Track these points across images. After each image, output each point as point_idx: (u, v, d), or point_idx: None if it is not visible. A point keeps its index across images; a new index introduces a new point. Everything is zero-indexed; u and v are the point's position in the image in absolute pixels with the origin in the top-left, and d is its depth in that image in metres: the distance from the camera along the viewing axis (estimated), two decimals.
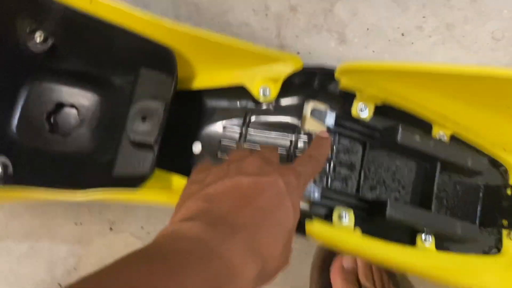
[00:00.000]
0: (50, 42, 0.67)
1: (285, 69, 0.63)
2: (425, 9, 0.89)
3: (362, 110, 0.66)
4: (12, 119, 0.71)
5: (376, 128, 0.67)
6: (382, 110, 0.67)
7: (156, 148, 0.63)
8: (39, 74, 0.72)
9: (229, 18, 0.87)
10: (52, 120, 0.73)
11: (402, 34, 0.88)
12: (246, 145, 0.68)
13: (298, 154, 0.68)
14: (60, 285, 0.83)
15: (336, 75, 0.62)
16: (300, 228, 0.59)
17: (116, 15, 0.60)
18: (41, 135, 0.72)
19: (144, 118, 0.64)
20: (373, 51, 0.88)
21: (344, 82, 0.63)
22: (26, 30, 0.66)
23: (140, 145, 0.66)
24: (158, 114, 0.63)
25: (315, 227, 0.59)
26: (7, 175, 0.66)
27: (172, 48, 0.61)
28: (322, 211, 0.65)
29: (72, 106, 0.73)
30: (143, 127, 0.64)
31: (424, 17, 0.88)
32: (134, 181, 0.64)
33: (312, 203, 0.65)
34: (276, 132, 0.68)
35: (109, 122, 0.73)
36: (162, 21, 0.60)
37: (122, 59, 0.69)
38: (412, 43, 0.88)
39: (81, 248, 0.84)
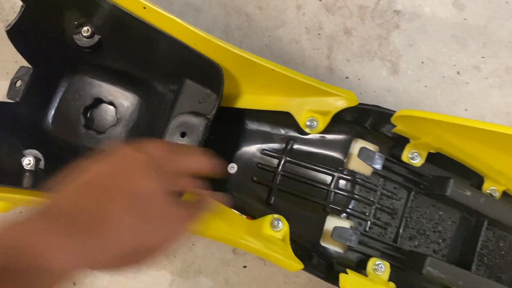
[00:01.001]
0: (96, 38, 0.65)
1: (338, 103, 0.60)
2: (485, 48, 0.84)
3: (414, 157, 0.63)
4: (49, 111, 0.69)
5: (425, 176, 0.63)
6: (434, 158, 0.63)
7: None
8: (81, 67, 0.70)
9: (280, 33, 0.84)
10: (88, 115, 0.71)
11: (458, 72, 0.84)
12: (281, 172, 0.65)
13: (338, 194, 0.64)
14: None
15: (393, 119, 0.58)
16: (333, 278, 0.56)
17: (167, 25, 0.57)
18: (76, 130, 0.70)
19: (183, 134, 0.61)
20: (425, 86, 0.84)
21: (400, 127, 0.59)
22: (74, 23, 0.63)
23: None
24: (198, 131, 0.61)
25: (349, 280, 0.55)
26: (39, 168, 0.64)
27: (220, 65, 0.58)
28: (357, 257, 0.63)
29: (111, 103, 0.71)
30: (182, 142, 0.62)
31: (483, 57, 0.84)
32: None
33: (348, 248, 0.62)
34: (317, 165, 0.65)
35: (146, 127, 0.70)
36: (213, 38, 0.57)
37: (167, 67, 0.66)
38: (467, 82, 0.84)
39: None
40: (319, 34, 0.84)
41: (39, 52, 0.64)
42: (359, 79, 0.84)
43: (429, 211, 0.65)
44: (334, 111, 0.60)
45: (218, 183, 0.66)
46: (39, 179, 0.62)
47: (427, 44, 0.85)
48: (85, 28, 0.63)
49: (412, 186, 0.64)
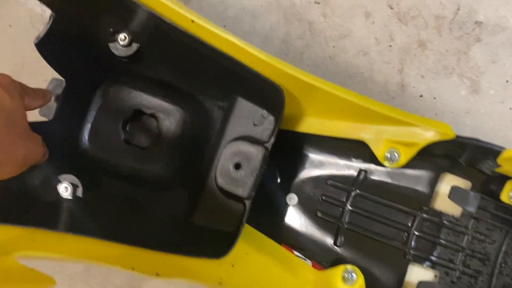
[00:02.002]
0: (135, 46, 0.56)
1: (427, 135, 0.50)
2: None
3: None
4: (85, 126, 0.62)
5: None
6: None
7: (248, 204, 0.52)
8: (119, 77, 0.62)
9: (346, 44, 0.75)
10: (128, 128, 0.63)
11: None
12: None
13: (421, 238, 0.55)
14: None
15: (500, 160, 0.48)
16: None
17: (219, 41, 0.49)
18: (115, 146, 0.62)
19: (238, 166, 0.53)
20: (511, 108, 0.74)
21: (507, 167, 0.50)
22: (109, 29, 0.55)
23: (229, 194, 0.55)
24: (256, 163, 0.52)
25: None
26: (76, 196, 0.57)
27: (280, 85, 0.50)
28: None
29: (152, 115, 0.63)
30: (236, 175, 0.54)
31: None
32: (218, 237, 0.54)
33: None
34: (395, 203, 0.55)
35: (192, 145, 0.62)
36: (271, 59, 0.48)
37: (216, 82, 0.58)
38: None
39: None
40: (390, 46, 0.75)
41: (72, 63, 0.56)
42: (434, 98, 0.74)
43: None
44: (422, 144, 0.50)
45: (274, 215, 0.58)
46: (77, 214, 0.54)
47: None
48: (121, 36, 0.55)
49: (509, 228, 0.54)
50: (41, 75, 0.73)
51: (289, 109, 0.54)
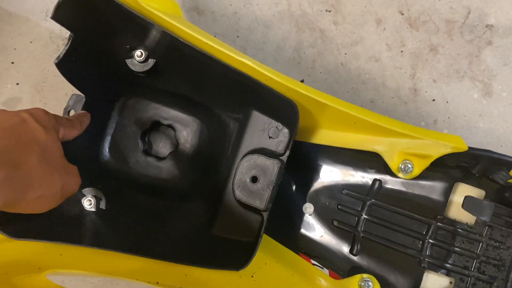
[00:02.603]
0: (151, 62, 0.58)
1: (440, 148, 0.51)
2: None
3: None
4: (105, 139, 0.64)
5: None
6: None
7: (266, 215, 0.54)
8: (136, 90, 0.64)
9: (358, 50, 0.76)
10: (146, 139, 0.65)
11: None
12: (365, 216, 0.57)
13: (436, 246, 0.56)
14: None
15: None
16: None
17: (233, 61, 0.50)
18: (135, 157, 0.64)
19: (255, 179, 0.55)
20: None
21: None
22: (125, 46, 0.57)
23: (246, 206, 0.57)
24: (272, 176, 0.54)
25: None
26: (99, 209, 0.59)
27: (294, 100, 0.51)
28: None
29: (170, 126, 0.64)
30: (253, 187, 0.55)
31: None
32: (237, 248, 0.56)
33: None
34: (410, 211, 0.57)
35: (209, 155, 0.64)
36: (283, 79, 0.50)
37: (232, 96, 0.59)
38: None
39: None
40: (401, 51, 0.76)
41: (91, 80, 0.58)
42: (447, 102, 0.75)
43: None
44: (435, 156, 0.52)
45: (291, 225, 0.60)
46: (101, 228, 0.56)
47: None
48: (138, 52, 0.57)
49: None
50: (62, 89, 0.75)
51: (304, 122, 0.56)
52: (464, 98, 0.75)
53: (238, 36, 0.76)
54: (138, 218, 0.61)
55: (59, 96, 0.77)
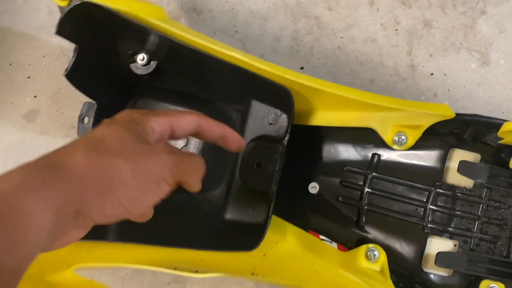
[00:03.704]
0: (154, 64, 0.62)
1: (429, 117, 0.53)
2: None
3: None
4: None
5: None
6: None
7: (272, 198, 0.57)
8: (144, 91, 0.68)
9: (354, 33, 0.78)
10: None
11: None
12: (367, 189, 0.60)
13: (437, 211, 0.58)
14: None
15: (500, 134, 0.51)
16: None
17: (230, 58, 0.53)
18: None
19: (259, 165, 0.58)
20: None
21: (509, 139, 0.52)
22: (128, 52, 0.61)
23: (254, 190, 0.60)
24: (274, 160, 0.57)
25: None
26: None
27: (288, 86, 0.54)
28: (466, 280, 0.56)
29: None
30: (258, 172, 0.58)
31: None
32: (249, 230, 0.59)
33: (454, 272, 0.56)
34: (410, 181, 0.59)
35: (217, 148, 0.67)
36: (275, 69, 0.52)
37: (231, 89, 0.62)
38: None
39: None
40: (396, 30, 0.78)
41: (100, 86, 0.62)
42: (445, 75, 0.76)
43: None
44: (426, 125, 0.54)
45: (299, 204, 0.62)
46: (125, 223, 0.60)
47: None
48: (140, 56, 0.61)
49: None
50: (77, 97, 0.79)
51: (300, 106, 0.58)
52: (462, 70, 0.77)
53: (236, 31, 0.80)
54: (158, 211, 0.65)
55: (75, 104, 0.81)
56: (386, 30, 0.78)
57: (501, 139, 0.53)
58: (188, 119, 0.43)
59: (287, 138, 0.57)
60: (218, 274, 0.53)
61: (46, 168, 0.33)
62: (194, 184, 0.42)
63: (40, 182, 0.31)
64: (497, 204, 0.57)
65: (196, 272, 0.56)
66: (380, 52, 0.78)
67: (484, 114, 0.69)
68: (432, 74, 0.77)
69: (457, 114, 0.53)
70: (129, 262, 0.55)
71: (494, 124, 0.52)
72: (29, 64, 0.83)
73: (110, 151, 0.36)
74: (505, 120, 0.51)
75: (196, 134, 0.45)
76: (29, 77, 0.83)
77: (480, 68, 0.76)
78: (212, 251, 0.56)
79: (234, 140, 0.46)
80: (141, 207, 0.37)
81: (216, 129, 0.45)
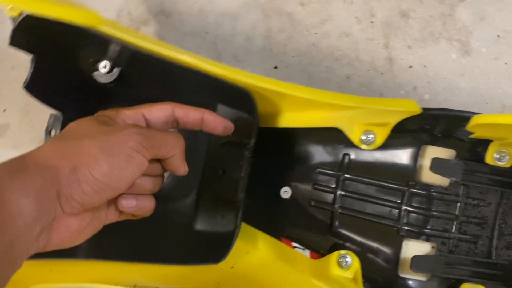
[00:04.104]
0: (117, 71, 0.59)
1: (395, 114, 0.50)
2: None
3: (502, 158, 0.52)
4: None
5: None
6: None
7: (239, 206, 0.54)
8: (110, 101, 0.65)
9: (328, 28, 0.75)
10: None
11: None
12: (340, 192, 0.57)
13: (412, 212, 0.55)
14: None
15: (469, 128, 0.48)
16: None
17: (190, 64, 0.50)
18: None
19: (224, 171, 0.55)
20: (506, 63, 0.72)
21: (479, 133, 0.49)
22: (89, 60, 0.58)
23: (222, 198, 0.57)
24: (239, 166, 0.54)
25: None
26: None
27: (251, 89, 0.51)
28: (444, 285, 0.53)
29: None
30: (224, 179, 0.56)
31: None
32: (218, 241, 0.56)
33: (432, 276, 0.53)
34: (383, 181, 0.56)
35: (189, 154, 0.64)
36: (237, 73, 0.49)
37: (196, 93, 0.60)
38: None
39: None
40: (371, 22, 0.75)
41: (63, 98, 0.59)
42: (425, 67, 0.73)
43: None
44: (394, 122, 0.51)
45: (271, 211, 0.60)
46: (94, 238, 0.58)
47: (502, 14, 0.72)
48: (102, 64, 0.58)
49: (504, 188, 0.53)
50: (48, 110, 0.77)
51: (267, 109, 0.56)
52: (442, 60, 0.73)
53: (207, 33, 0.77)
54: (129, 225, 0.63)
55: (45, 116, 0.78)
56: (361, 23, 0.75)
57: (472, 133, 0.50)
58: (159, 107, 0.45)
59: (252, 142, 0.54)
60: None
61: (16, 161, 0.34)
62: (176, 161, 0.43)
63: (13, 172, 0.32)
64: (476, 202, 0.54)
65: None
66: (356, 47, 0.75)
67: (467, 106, 0.66)
68: (411, 66, 0.74)
69: (424, 109, 0.49)
70: (89, 280, 0.53)
71: (463, 118, 0.49)
72: None
73: (76, 136, 0.38)
74: (475, 113, 0.48)
75: (177, 123, 0.46)
76: None
77: (461, 58, 0.73)
78: (178, 266, 0.54)
79: (216, 122, 0.47)
80: (119, 179, 0.37)
81: (193, 113, 0.46)
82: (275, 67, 0.75)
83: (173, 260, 0.54)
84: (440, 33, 0.73)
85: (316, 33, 0.75)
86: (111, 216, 0.45)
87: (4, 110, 0.80)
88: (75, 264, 0.55)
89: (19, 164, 0.34)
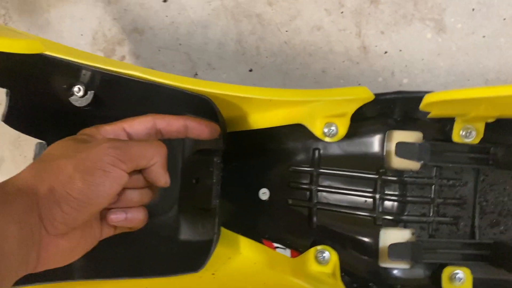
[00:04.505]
0: (90, 94, 0.60)
1: (349, 103, 0.49)
2: None
3: (468, 134, 0.50)
4: None
5: (490, 150, 0.51)
6: (496, 126, 0.51)
7: (215, 212, 0.54)
8: (91, 123, 0.66)
9: (298, 24, 0.74)
10: None
11: None
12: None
13: (387, 200, 0.54)
14: None
15: (422, 107, 0.47)
16: None
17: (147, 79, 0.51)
18: None
19: (197, 180, 0.55)
20: (484, 36, 0.70)
21: (436, 112, 0.48)
22: (63, 87, 0.59)
23: (199, 208, 0.57)
24: (210, 172, 0.54)
25: None
26: None
27: (212, 96, 0.51)
28: (427, 271, 0.52)
29: None
30: (197, 188, 0.55)
31: None
32: (200, 249, 0.56)
33: (414, 263, 0.51)
34: (354, 171, 0.55)
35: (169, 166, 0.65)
36: (193, 81, 0.50)
37: (166, 106, 0.60)
38: None
39: None
40: (342, 12, 0.74)
41: (44, 126, 0.60)
42: (400, 51, 0.72)
43: (510, 185, 0.53)
44: (351, 111, 0.50)
45: (252, 213, 0.59)
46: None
47: None
48: (75, 88, 0.59)
49: (478, 165, 0.52)
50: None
51: (232, 113, 0.55)
52: (417, 42, 0.72)
53: (180, 44, 0.77)
54: (116, 240, 0.63)
55: None
56: (332, 15, 0.74)
57: (428, 113, 0.49)
58: (140, 120, 0.46)
59: (222, 147, 0.54)
60: None
61: None
62: (156, 171, 0.42)
63: None
64: (451, 182, 0.53)
65: None
66: (329, 39, 0.74)
67: (448, 85, 0.64)
68: (386, 52, 0.72)
69: (376, 95, 0.48)
70: None
71: (416, 99, 0.47)
72: None
73: (52, 157, 0.38)
74: (427, 92, 0.47)
75: (161, 134, 0.46)
76: None
77: (437, 37, 0.71)
78: (159, 278, 0.54)
79: (201, 127, 0.48)
80: (97, 195, 0.37)
81: (176, 122, 0.46)
82: (250, 70, 0.75)
83: (155, 273, 0.54)
84: (412, 14, 0.72)
85: (287, 31, 0.75)
86: (106, 231, 0.45)
87: None
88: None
89: (0, 191, 0.35)
